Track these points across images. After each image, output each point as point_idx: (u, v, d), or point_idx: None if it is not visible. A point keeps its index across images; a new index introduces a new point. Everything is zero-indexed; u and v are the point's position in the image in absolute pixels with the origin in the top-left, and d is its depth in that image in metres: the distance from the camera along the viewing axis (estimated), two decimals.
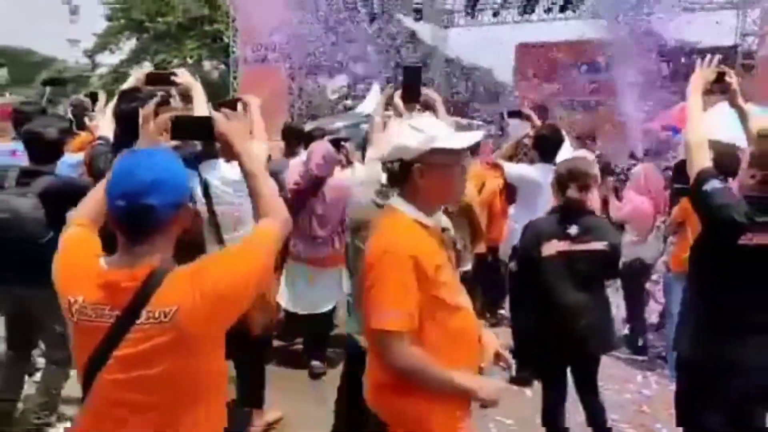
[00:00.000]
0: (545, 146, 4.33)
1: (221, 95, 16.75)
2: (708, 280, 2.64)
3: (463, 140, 2.06)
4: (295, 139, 5.44)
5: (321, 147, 4.33)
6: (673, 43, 18.29)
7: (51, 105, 6.55)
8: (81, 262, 1.72)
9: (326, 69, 19.04)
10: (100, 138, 3.22)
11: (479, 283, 5.29)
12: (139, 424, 1.62)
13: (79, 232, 1.85)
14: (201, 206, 3.31)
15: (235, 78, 16.42)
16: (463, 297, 2.15)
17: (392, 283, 1.95)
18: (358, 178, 3.34)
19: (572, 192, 3.23)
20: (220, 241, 3.55)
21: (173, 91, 3.32)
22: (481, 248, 4.85)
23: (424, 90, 3.58)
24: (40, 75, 27.39)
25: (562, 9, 16.94)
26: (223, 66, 25.48)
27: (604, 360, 3.54)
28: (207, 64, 28.26)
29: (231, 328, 1.77)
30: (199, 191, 3.31)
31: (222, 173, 3.40)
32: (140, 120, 2.26)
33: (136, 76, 3.38)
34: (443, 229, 2.18)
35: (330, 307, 4.68)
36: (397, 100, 3.11)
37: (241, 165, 1.96)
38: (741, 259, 2.49)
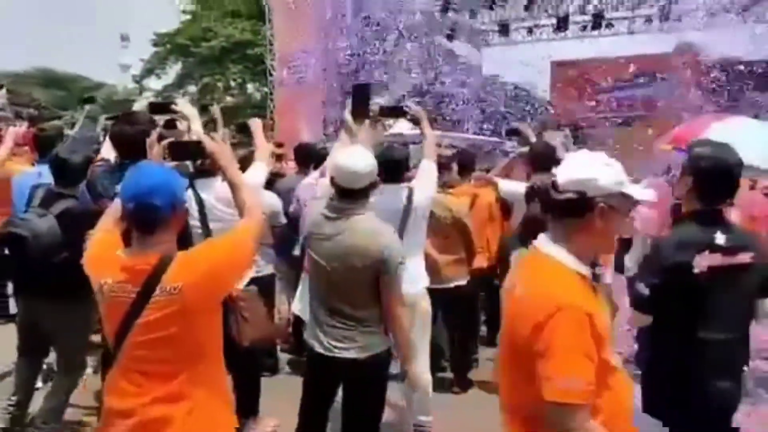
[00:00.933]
0: (539, 162, 4.41)
1: (264, 117, 17.35)
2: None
3: (645, 194, 1.95)
4: (306, 158, 5.66)
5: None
6: (716, 57, 18.23)
7: (91, 122, 6.94)
8: (106, 254, 2.20)
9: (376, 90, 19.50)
10: (101, 159, 3.51)
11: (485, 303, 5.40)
12: (157, 374, 2.12)
13: (103, 235, 2.33)
14: (194, 221, 3.49)
15: (272, 99, 16.85)
16: (616, 356, 1.93)
17: (571, 346, 1.75)
18: (317, 193, 3.64)
19: (534, 208, 3.37)
20: None
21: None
22: (482, 263, 4.96)
23: (412, 107, 3.91)
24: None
25: (595, 26, 16.90)
26: (265, 89, 26.24)
27: None
28: (250, 87, 29.01)
29: (226, 343, 2.34)
30: (194, 206, 3.51)
31: (217, 191, 3.58)
32: (147, 145, 2.73)
33: (139, 106, 3.73)
34: (594, 277, 1.94)
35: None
36: (347, 116, 3.30)
37: (226, 177, 2.50)
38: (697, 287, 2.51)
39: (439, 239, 4.42)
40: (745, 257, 2.53)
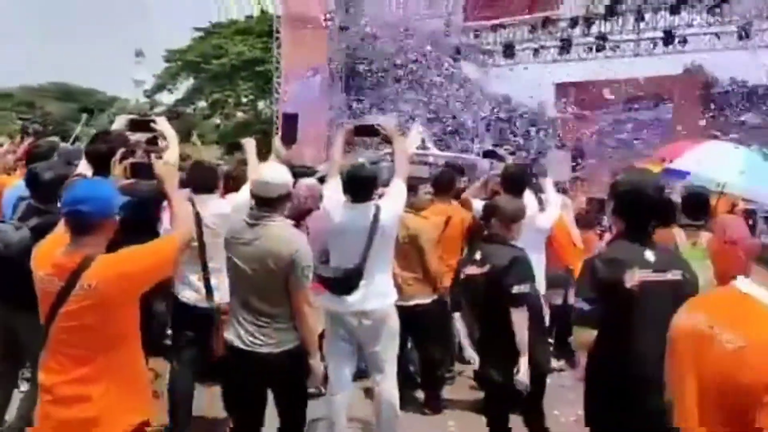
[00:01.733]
0: (512, 183, 4.53)
1: (272, 132, 17.63)
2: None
3: None
4: None
5: (306, 182, 4.69)
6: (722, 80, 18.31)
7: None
8: (49, 250, 2.54)
9: (375, 107, 19.74)
10: (78, 175, 3.64)
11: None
12: (76, 357, 2.43)
13: (56, 235, 2.68)
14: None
15: (278, 117, 17.08)
16: None
17: None
18: (238, 204, 3.91)
19: (491, 226, 3.54)
20: (204, 266, 3.98)
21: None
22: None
23: (384, 126, 4.08)
24: (104, 114, 28.99)
25: (599, 48, 17.02)
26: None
27: None
28: (261, 104, 29.36)
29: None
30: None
31: (211, 208, 3.95)
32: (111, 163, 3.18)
33: (120, 122, 3.89)
34: None
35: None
36: (277, 143, 3.46)
37: (165, 194, 2.90)
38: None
39: (399, 257, 4.47)
40: (674, 275, 2.67)
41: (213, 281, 4.00)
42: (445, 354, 5.05)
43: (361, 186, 3.81)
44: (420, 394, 4.95)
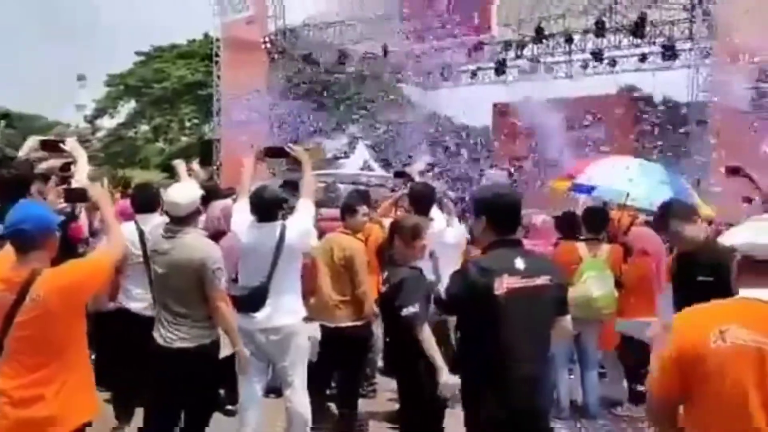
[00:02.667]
0: (420, 201, 4.71)
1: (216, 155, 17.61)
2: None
3: None
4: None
5: (219, 204, 4.79)
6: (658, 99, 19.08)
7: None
8: None
9: (325, 131, 19.93)
10: None
11: None
12: (30, 363, 2.66)
13: (2, 254, 2.82)
14: (136, 251, 4.20)
15: (218, 140, 17.05)
16: None
17: None
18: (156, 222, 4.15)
19: (397, 245, 3.62)
20: (150, 277, 4.17)
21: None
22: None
23: (293, 148, 4.30)
24: None
25: (533, 70, 17.59)
26: None
27: None
28: (205, 128, 29.22)
29: None
30: (135, 237, 4.22)
31: (155, 224, 4.09)
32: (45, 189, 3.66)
33: (29, 144, 4.03)
34: None
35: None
36: (196, 166, 3.62)
37: (101, 213, 3.19)
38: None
39: (333, 279, 4.56)
40: (543, 280, 2.84)
41: None
42: (357, 376, 5.06)
43: (265, 207, 3.94)
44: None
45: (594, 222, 5.14)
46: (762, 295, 1.96)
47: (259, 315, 3.86)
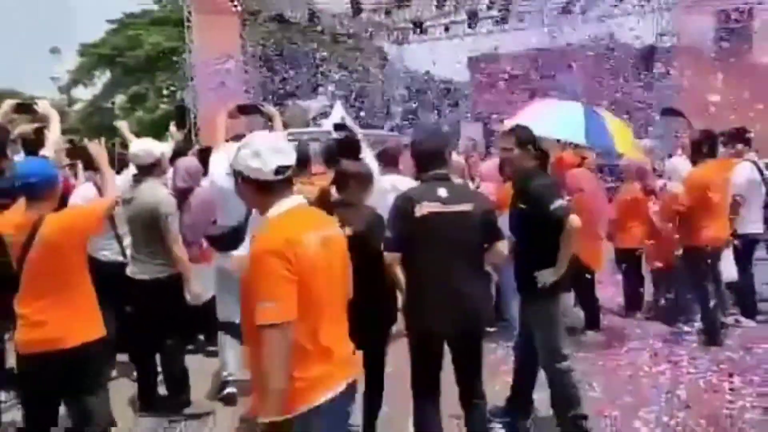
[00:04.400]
0: (390, 158, 5.49)
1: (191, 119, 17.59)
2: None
3: None
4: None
5: (184, 162, 4.98)
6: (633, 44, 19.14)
7: None
8: (9, 217, 3.29)
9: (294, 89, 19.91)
10: None
11: None
12: (41, 293, 3.21)
13: (14, 208, 3.36)
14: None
15: (195, 105, 17.00)
16: None
17: None
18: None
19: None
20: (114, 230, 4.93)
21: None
22: None
23: (264, 106, 4.64)
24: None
25: (501, 21, 17.64)
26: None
27: None
28: (180, 94, 28.97)
29: None
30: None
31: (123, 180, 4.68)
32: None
33: (4, 109, 4.31)
34: None
35: (208, 296, 5.19)
36: (172, 128, 3.94)
37: (99, 165, 3.76)
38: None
39: None
40: (465, 207, 3.27)
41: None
42: None
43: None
44: None
45: None
46: None
47: (237, 253, 4.16)
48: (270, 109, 4.90)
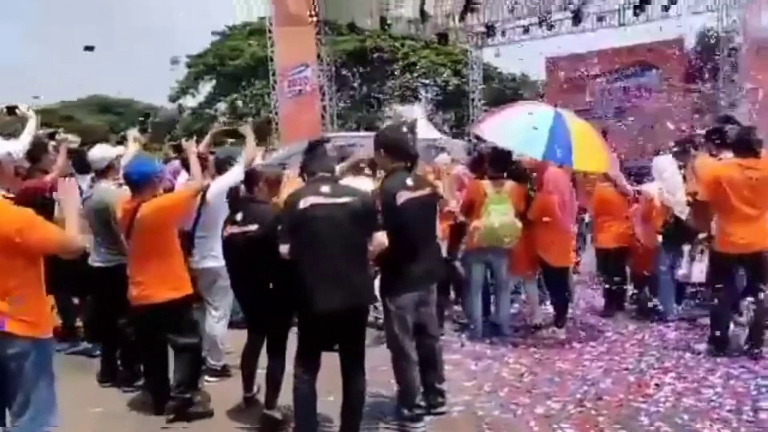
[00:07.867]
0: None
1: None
2: None
3: None
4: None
5: (170, 166, 5.75)
6: None
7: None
8: (122, 203, 4.41)
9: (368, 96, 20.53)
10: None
11: None
12: (140, 260, 4.26)
13: (124, 196, 4.49)
14: None
15: (276, 113, 17.97)
16: None
17: None
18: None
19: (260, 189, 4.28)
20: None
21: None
22: None
23: (243, 128, 5.37)
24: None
25: (575, 22, 17.39)
26: None
27: None
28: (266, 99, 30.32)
29: None
30: None
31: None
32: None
33: None
34: None
35: None
36: (136, 133, 5.09)
37: (190, 162, 4.68)
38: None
39: None
40: (345, 199, 3.66)
41: None
42: None
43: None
44: None
45: (497, 162, 5.81)
46: None
47: (192, 258, 4.80)
48: (246, 130, 5.29)
